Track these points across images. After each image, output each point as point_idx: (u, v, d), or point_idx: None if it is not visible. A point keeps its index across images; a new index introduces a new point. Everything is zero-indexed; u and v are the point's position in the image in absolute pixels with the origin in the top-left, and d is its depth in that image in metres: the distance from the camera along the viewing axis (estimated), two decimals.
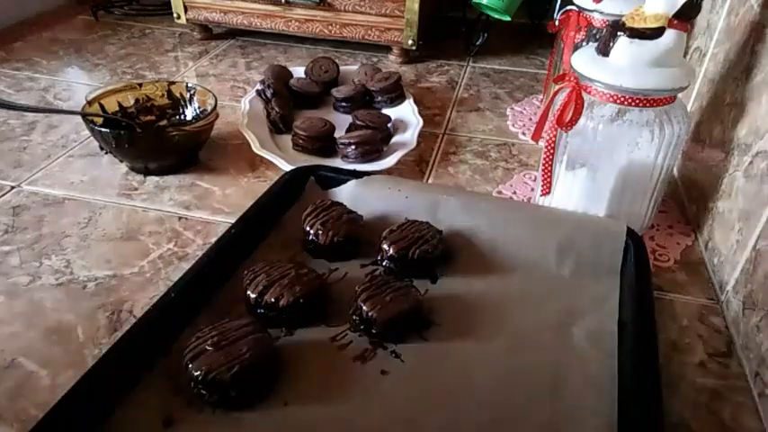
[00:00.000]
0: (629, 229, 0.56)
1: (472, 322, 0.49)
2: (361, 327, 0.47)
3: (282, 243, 0.57)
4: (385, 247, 0.53)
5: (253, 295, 0.47)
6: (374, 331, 0.46)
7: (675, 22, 0.52)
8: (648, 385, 0.41)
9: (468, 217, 0.58)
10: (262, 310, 0.47)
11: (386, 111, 0.83)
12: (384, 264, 0.54)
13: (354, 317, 0.48)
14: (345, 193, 0.62)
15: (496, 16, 0.97)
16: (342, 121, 0.78)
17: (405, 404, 0.42)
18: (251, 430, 0.40)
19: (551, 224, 0.57)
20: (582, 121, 0.57)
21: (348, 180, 0.62)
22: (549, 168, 0.62)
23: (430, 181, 0.73)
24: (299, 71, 0.92)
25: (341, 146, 0.73)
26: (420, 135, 0.78)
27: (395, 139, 0.78)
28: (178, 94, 0.78)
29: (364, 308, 0.46)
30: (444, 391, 0.43)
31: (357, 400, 0.42)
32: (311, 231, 0.55)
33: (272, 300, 0.47)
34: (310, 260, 0.55)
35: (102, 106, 0.73)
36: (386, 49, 1.08)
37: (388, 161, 0.72)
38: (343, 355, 0.46)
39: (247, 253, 0.55)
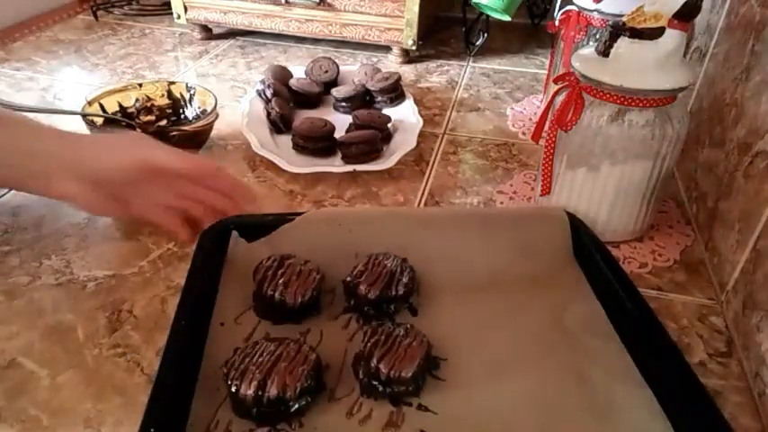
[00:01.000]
0: (568, 213, 0.57)
1: (474, 347, 0.47)
2: (379, 389, 0.42)
3: (235, 319, 0.49)
4: (361, 292, 0.49)
5: (250, 393, 0.40)
6: (395, 389, 0.42)
7: (675, 22, 0.52)
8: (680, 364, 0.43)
9: (421, 237, 0.55)
10: (261, 409, 0.40)
11: (386, 111, 0.83)
12: (361, 309, 0.50)
13: (367, 379, 0.43)
14: (280, 242, 0.54)
15: (496, 16, 0.97)
16: (342, 121, 0.78)
17: None
18: None
19: (501, 225, 0.56)
20: (582, 120, 0.57)
21: (274, 225, 0.54)
22: (549, 168, 0.62)
23: (430, 181, 0.73)
24: (299, 71, 0.92)
25: (341, 146, 0.73)
26: (420, 135, 0.78)
27: (395, 139, 0.78)
28: (178, 94, 0.78)
29: (382, 368, 0.42)
30: (493, 430, 0.41)
31: None
32: (275, 295, 0.48)
33: (277, 392, 0.40)
34: (271, 327, 0.48)
35: (102, 106, 0.73)
36: (386, 49, 1.08)
37: (388, 161, 0.72)
38: (370, 428, 0.40)
39: (201, 346, 0.46)
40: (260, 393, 0.40)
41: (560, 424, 0.41)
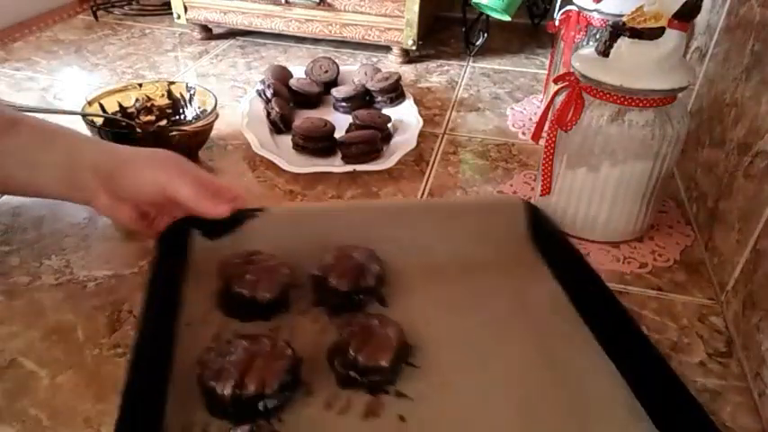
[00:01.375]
0: (524, 201, 0.59)
1: (444, 333, 0.48)
2: (357, 379, 0.42)
3: (201, 319, 0.48)
4: (331, 284, 0.49)
5: (227, 392, 0.39)
6: (373, 379, 0.42)
7: (675, 22, 0.52)
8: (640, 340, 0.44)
9: (387, 229, 0.55)
10: (239, 407, 0.39)
11: (386, 111, 0.83)
12: (331, 302, 0.49)
13: (345, 370, 0.43)
14: (244, 239, 0.53)
15: (496, 16, 0.97)
16: (342, 121, 0.78)
17: None
18: None
19: (462, 214, 0.58)
20: (582, 120, 0.57)
21: (237, 222, 0.53)
22: (549, 168, 0.62)
23: (430, 181, 0.73)
24: (299, 71, 0.92)
25: (341, 146, 0.73)
26: (420, 135, 0.78)
27: (395, 139, 0.78)
28: (178, 95, 0.78)
29: (359, 358, 0.42)
30: (471, 411, 0.42)
31: None
32: (243, 293, 0.47)
33: (255, 389, 0.39)
34: (239, 325, 0.47)
35: (102, 106, 0.73)
36: (386, 49, 1.08)
37: (388, 161, 0.72)
38: (351, 419, 0.41)
39: (169, 345, 0.45)
40: (238, 391, 0.39)
41: (534, 403, 0.42)
